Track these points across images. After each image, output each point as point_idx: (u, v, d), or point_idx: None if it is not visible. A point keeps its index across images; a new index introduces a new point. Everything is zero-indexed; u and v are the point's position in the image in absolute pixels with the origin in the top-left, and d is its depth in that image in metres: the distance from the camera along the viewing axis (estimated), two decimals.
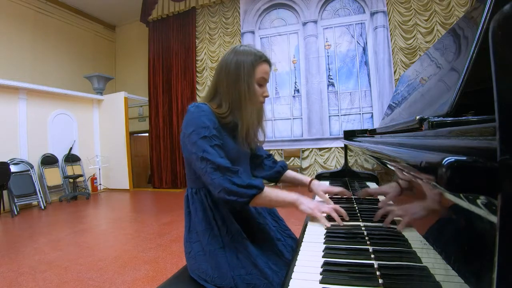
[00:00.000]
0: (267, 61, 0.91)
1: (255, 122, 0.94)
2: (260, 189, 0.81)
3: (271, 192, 0.83)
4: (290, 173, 1.15)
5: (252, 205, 0.85)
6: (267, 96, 0.93)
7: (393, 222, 0.68)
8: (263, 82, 0.91)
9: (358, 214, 0.89)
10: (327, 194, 1.07)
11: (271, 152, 5.67)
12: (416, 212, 0.50)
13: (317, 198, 1.10)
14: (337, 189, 1.09)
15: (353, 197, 1.10)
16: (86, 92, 6.33)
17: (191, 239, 0.90)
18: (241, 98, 0.87)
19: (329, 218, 0.84)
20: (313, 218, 0.85)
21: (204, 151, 0.79)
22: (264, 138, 1.02)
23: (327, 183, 1.48)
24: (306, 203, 0.85)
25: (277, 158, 5.64)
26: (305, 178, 1.13)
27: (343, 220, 0.82)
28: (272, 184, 2.00)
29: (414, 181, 0.47)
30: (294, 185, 1.17)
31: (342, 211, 0.83)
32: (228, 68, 0.88)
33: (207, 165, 0.79)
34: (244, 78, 0.87)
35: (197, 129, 0.81)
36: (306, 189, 1.12)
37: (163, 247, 2.56)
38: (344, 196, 1.08)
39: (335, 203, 0.94)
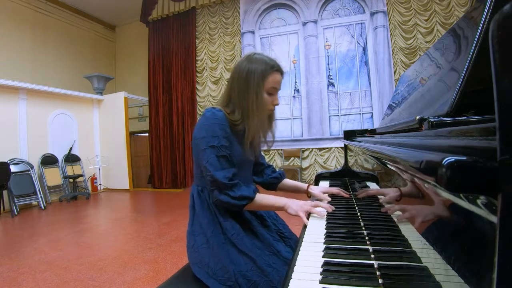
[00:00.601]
0: (279, 70, 0.93)
1: (264, 128, 0.97)
2: (251, 199, 0.88)
3: (262, 199, 0.91)
4: (288, 181, 1.21)
5: (245, 209, 0.92)
6: (277, 104, 0.96)
7: (393, 222, 0.68)
8: (273, 91, 0.93)
9: (358, 214, 0.89)
10: (326, 195, 1.10)
11: (271, 152, 5.67)
12: (417, 212, 0.50)
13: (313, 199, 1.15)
14: (334, 189, 1.13)
15: (353, 198, 1.10)
16: (86, 92, 6.33)
17: (195, 232, 0.92)
18: (249, 107, 0.89)
19: (329, 219, 0.85)
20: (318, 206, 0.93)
21: (208, 161, 0.84)
22: (273, 139, 1.04)
23: (327, 184, 1.49)
24: (292, 207, 0.92)
25: (277, 158, 5.64)
26: (303, 184, 1.19)
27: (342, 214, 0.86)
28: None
29: (414, 181, 0.47)
30: (294, 192, 1.21)
31: (324, 205, 0.93)
32: (240, 76, 0.91)
33: (207, 175, 0.85)
34: (253, 87, 0.89)
35: (208, 137, 0.86)
36: (305, 195, 1.17)
37: (163, 247, 2.56)
38: (341, 195, 1.11)
39: (333, 203, 0.99)
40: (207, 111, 0.90)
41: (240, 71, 0.91)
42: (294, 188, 1.20)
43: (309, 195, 1.15)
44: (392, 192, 0.71)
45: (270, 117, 1.00)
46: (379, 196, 0.95)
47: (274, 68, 0.91)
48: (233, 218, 0.90)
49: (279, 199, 0.94)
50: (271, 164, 1.24)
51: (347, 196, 1.11)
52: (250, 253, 0.85)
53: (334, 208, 0.92)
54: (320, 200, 1.04)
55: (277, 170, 1.21)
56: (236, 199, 0.85)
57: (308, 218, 0.90)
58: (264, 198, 0.92)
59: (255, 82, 0.89)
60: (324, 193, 1.10)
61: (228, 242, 0.87)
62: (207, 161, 0.84)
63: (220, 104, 0.95)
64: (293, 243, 1.02)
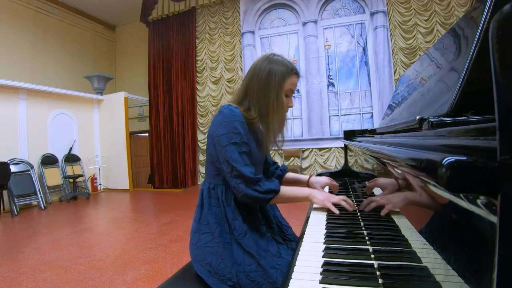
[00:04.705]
0: (297, 74, 0.97)
1: (279, 129, 0.99)
2: (277, 192, 0.89)
3: (287, 191, 0.93)
4: (290, 174, 1.23)
5: (270, 203, 0.94)
6: (291, 106, 0.99)
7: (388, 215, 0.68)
8: (290, 93, 0.97)
9: (358, 214, 0.89)
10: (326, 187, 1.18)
11: (271, 152, 5.66)
12: (416, 211, 0.50)
13: (326, 189, 1.23)
14: (334, 183, 1.18)
15: (353, 197, 1.10)
16: (86, 92, 6.33)
17: (201, 230, 0.92)
18: (269, 107, 0.92)
19: (329, 219, 0.86)
20: (317, 208, 0.97)
21: (232, 158, 0.85)
22: (283, 139, 1.06)
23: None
24: (318, 196, 0.95)
25: (277, 158, 5.64)
26: (303, 176, 1.22)
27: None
28: None
29: (413, 180, 0.47)
30: (294, 184, 1.22)
31: (350, 201, 0.93)
32: (261, 75, 0.92)
33: (232, 170, 0.85)
34: (274, 88, 0.91)
35: (229, 134, 0.86)
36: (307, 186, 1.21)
37: (163, 247, 2.56)
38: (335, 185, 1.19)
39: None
40: (224, 108, 0.90)
41: (260, 70, 0.93)
42: (296, 180, 1.22)
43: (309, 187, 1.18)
44: (389, 187, 0.71)
45: (283, 121, 1.02)
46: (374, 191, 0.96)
47: (293, 71, 0.95)
48: (242, 218, 0.90)
49: (302, 189, 0.97)
50: (276, 162, 1.26)
51: (337, 188, 1.18)
52: (255, 253, 0.85)
53: (356, 208, 0.93)
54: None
55: (279, 165, 1.23)
56: (263, 193, 0.87)
57: (308, 217, 0.90)
58: (288, 190, 0.94)
59: (276, 82, 0.91)
60: (323, 187, 1.16)
61: (234, 242, 0.88)
62: (230, 157, 0.85)
63: (234, 101, 0.97)
64: (295, 246, 1.02)
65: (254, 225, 0.93)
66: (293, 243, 1.03)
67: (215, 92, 6.13)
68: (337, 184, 1.17)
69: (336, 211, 0.89)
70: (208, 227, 0.91)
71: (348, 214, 0.90)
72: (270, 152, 1.25)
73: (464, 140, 0.32)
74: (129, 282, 1.93)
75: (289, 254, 0.93)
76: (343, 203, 0.91)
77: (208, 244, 0.89)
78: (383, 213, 0.74)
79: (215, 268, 0.85)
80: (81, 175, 5.69)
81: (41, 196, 4.75)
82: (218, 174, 0.93)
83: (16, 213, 4.25)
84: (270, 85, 0.91)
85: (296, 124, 5.61)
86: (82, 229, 3.34)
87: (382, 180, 0.83)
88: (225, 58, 6.09)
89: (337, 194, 1.15)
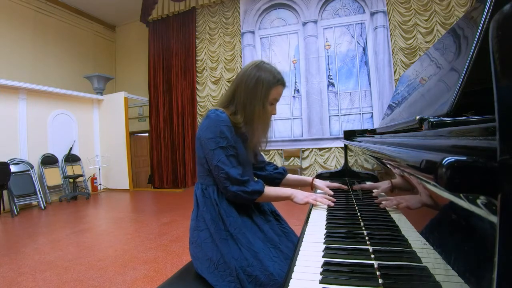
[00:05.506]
0: (283, 84, 1.00)
1: (263, 135, 1.04)
2: (261, 193, 0.94)
3: (270, 191, 0.98)
4: (291, 176, 1.27)
5: (255, 202, 0.99)
6: (274, 114, 1.03)
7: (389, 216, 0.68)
8: (274, 102, 1.01)
9: (358, 214, 0.89)
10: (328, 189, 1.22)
11: (271, 152, 5.67)
12: (416, 212, 0.50)
13: (317, 191, 1.27)
14: (336, 184, 1.25)
15: (353, 197, 1.11)
16: (86, 92, 6.33)
17: (199, 227, 0.94)
18: (254, 115, 0.95)
19: (329, 219, 0.87)
20: (317, 208, 1.03)
21: (220, 161, 0.89)
22: (266, 145, 1.11)
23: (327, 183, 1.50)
24: (299, 196, 1.01)
25: (277, 158, 5.64)
26: (307, 178, 1.27)
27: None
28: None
29: (412, 179, 0.47)
30: (298, 185, 1.25)
31: (327, 197, 1.05)
32: (248, 82, 0.95)
33: (220, 172, 0.89)
34: (260, 97, 0.95)
35: (216, 138, 0.90)
36: (308, 187, 1.26)
37: (163, 247, 2.56)
38: (341, 188, 1.25)
39: (334, 197, 1.09)
40: (211, 112, 0.93)
41: (249, 77, 0.95)
42: (299, 181, 1.27)
43: (312, 188, 1.24)
44: (386, 187, 0.71)
45: (267, 127, 1.06)
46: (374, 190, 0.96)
47: (280, 82, 0.97)
48: (236, 213, 0.93)
49: (285, 190, 1.03)
50: (271, 162, 1.28)
51: (346, 188, 1.24)
52: (252, 246, 0.87)
53: (334, 201, 1.02)
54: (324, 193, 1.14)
55: (279, 166, 1.26)
56: (249, 194, 0.91)
57: (308, 217, 0.91)
58: (272, 190, 0.99)
59: (263, 92, 0.94)
60: (327, 186, 1.20)
61: (230, 238, 0.89)
62: (218, 160, 0.89)
63: (221, 105, 0.99)
64: (295, 238, 1.05)
65: (250, 219, 0.95)
66: (292, 234, 1.06)
67: (215, 92, 6.13)
68: (337, 184, 1.23)
69: (315, 203, 1.01)
70: (205, 224, 0.93)
71: (348, 214, 0.90)
72: (270, 152, 1.28)
73: (464, 140, 0.32)
74: (129, 282, 1.93)
75: (289, 246, 0.95)
76: (320, 199, 1.02)
77: (208, 240, 0.91)
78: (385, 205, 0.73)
79: (216, 263, 0.86)
80: (81, 175, 5.69)
81: (41, 196, 4.75)
82: (207, 175, 0.96)
83: (16, 213, 4.25)
84: (257, 94, 0.94)
85: (296, 124, 5.61)
86: (82, 229, 3.34)
87: (384, 185, 0.82)
88: (225, 58, 6.09)
89: (336, 195, 1.16)
